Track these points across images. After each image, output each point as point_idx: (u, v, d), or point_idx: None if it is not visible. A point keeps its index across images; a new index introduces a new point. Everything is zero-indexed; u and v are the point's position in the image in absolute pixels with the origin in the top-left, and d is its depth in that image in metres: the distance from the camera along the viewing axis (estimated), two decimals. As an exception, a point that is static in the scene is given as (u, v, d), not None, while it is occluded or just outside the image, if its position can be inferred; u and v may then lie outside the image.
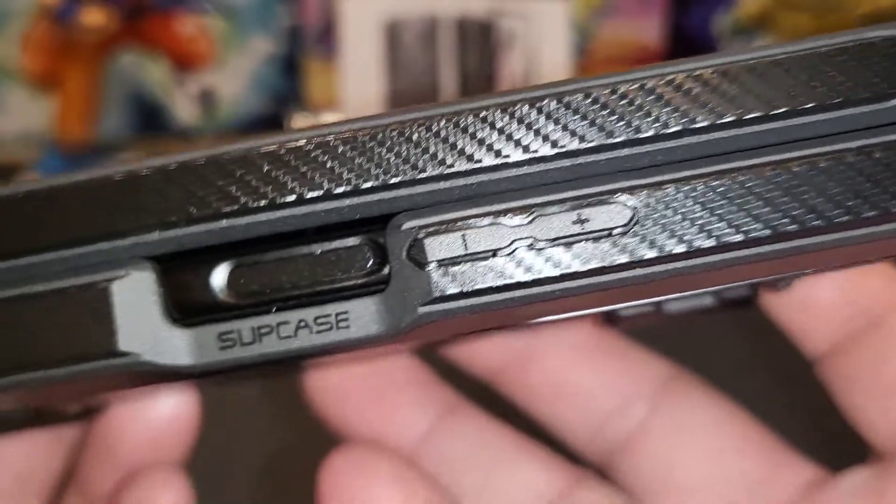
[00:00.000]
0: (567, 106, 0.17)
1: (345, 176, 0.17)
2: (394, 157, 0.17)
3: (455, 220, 0.17)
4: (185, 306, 0.17)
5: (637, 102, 0.17)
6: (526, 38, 0.65)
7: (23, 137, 0.69)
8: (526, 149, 0.17)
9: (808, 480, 0.26)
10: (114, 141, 0.70)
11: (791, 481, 0.26)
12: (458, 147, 0.17)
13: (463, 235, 0.17)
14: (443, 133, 0.17)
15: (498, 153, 0.17)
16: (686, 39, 0.76)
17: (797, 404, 0.36)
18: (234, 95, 0.72)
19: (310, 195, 0.17)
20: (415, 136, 0.17)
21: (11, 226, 0.18)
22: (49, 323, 0.17)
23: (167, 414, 0.25)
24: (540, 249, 0.17)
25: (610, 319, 0.25)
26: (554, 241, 0.17)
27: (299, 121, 0.67)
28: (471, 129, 0.17)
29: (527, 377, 0.27)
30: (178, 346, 0.17)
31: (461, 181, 0.17)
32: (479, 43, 0.65)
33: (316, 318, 0.17)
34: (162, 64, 0.67)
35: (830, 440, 0.27)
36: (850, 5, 0.58)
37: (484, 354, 0.27)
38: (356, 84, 0.64)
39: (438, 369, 0.28)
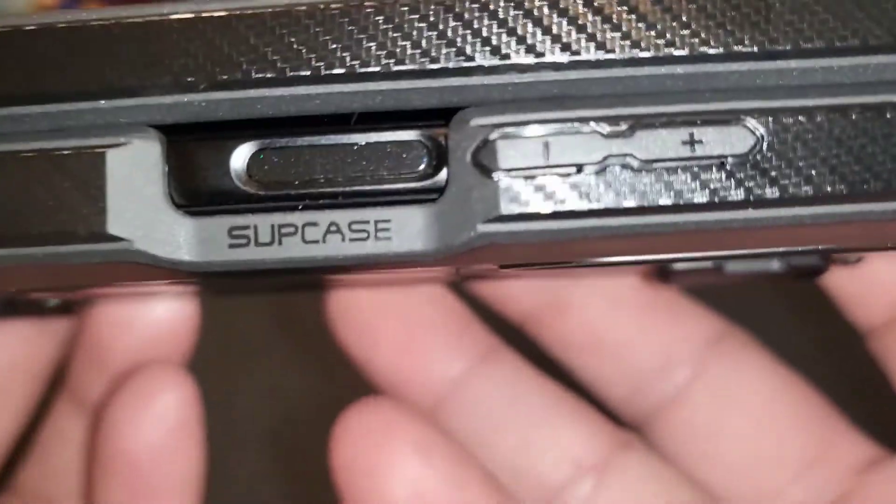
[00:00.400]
0: None
1: (407, 50, 0.14)
2: (470, 35, 0.14)
3: (537, 122, 0.14)
4: (194, 190, 0.15)
5: (776, 4, 0.14)
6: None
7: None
8: (636, 44, 0.14)
9: (864, 460, 0.24)
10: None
11: (845, 462, 0.24)
12: (551, 30, 0.14)
13: (545, 142, 0.14)
14: (535, 10, 0.14)
15: (601, 45, 0.14)
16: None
17: (852, 378, 0.34)
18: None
19: (361, 70, 0.14)
20: (499, 11, 0.14)
21: None
22: (29, 192, 0.14)
23: (164, 314, 0.24)
24: (637, 170, 0.14)
25: (661, 275, 0.23)
26: (655, 162, 0.14)
27: None
28: (570, 10, 0.14)
29: (563, 325, 0.25)
30: (179, 236, 0.14)
31: (551, 75, 0.14)
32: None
33: (351, 224, 0.15)
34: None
35: (887, 418, 0.26)
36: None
37: (518, 296, 0.25)
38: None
39: (476, 307, 0.26)
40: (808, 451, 0.24)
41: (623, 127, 0.14)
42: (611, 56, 0.14)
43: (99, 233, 0.14)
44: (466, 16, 0.14)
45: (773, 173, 0.14)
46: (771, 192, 0.14)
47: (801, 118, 0.14)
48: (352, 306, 0.25)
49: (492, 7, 0.14)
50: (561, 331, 0.26)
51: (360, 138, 0.15)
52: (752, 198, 0.14)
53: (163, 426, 0.22)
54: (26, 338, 0.26)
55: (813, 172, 0.14)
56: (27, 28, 0.14)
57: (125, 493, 0.23)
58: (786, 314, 0.42)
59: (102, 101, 0.14)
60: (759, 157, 0.14)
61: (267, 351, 0.45)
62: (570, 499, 0.24)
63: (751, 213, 0.14)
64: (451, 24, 0.14)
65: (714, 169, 0.14)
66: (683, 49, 0.14)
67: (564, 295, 0.25)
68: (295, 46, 0.14)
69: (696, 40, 0.14)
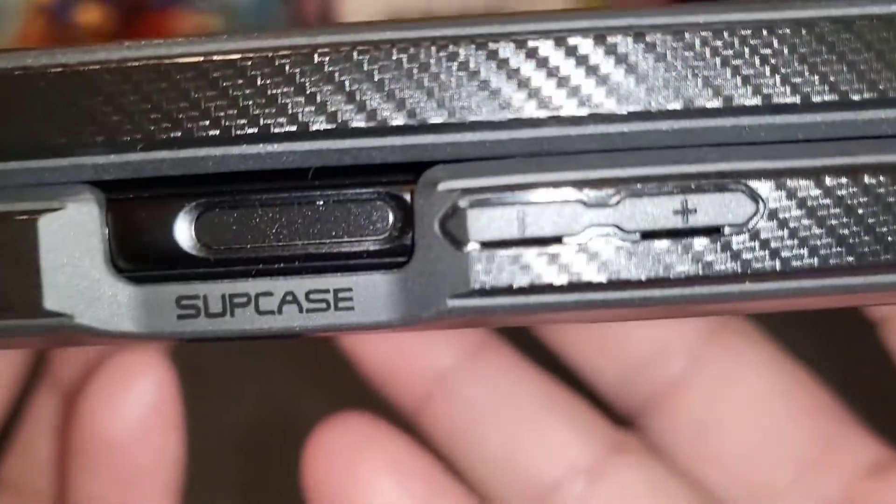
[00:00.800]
0: (688, 44, 0.12)
1: (367, 105, 0.13)
2: (437, 87, 0.13)
3: (512, 188, 0.13)
4: (138, 254, 0.13)
5: (783, 51, 0.12)
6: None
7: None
8: (622, 97, 0.13)
9: (872, 463, 0.23)
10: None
11: (850, 463, 0.23)
12: (528, 82, 0.13)
13: (521, 211, 0.13)
14: (509, 60, 0.12)
15: (583, 98, 0.13)
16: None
17: (864, 373, 0.33)
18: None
19: (315, 126, 0.13)
20: (469, 60, 0.12)
21: None
22: None
23: None
24: (622, 242, 0.13)
25: None
26: (644, 234, 0.13)
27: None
28: (549, 61, 0.12)
29: None
30: (124, 306, 0.13)
31: (526, 132, 0.13)
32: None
33: (309, 293, 0.13)
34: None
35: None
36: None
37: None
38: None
39: None
40: (810, 450, 0.24)
41: (607, 193, 0.13)
42: (595, 111, 0.13)
43: (34, 308, 0.13)
44: (432, 66, 0.13)
45: (774, 244, 0.13)
46: (771, 265, 0.13)
47: (807, 181, 0.13)
48: None
49: (462, 57, 0.13)
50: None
51: (319, 196, 0.13)
52: (749, 271, 0.13)
53: (140, 409, 0.22)
54: None
55: (819, 242, 0.13)
56: None
57: (102, 478, 0.23)
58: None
59: (30, 161, 0.13)
60: (759, 226, 0.13)
61: (239, 359, 0.44)
62: (561, 501, 0.23)
63: (747, 287, 0.13)
64: (416, 75, 0.13)
65: (709, 241, 0.13)
66: (678, 102, 0.13)
67: None
68: (241, 101, 0.13)
69: (692, 92, 0.13)
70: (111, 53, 0.13)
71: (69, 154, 0.13)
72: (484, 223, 0.13)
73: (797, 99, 0.13)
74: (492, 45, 0.12)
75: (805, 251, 0.13)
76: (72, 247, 0.13)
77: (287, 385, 0.43)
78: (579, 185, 0.13)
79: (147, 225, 0.13)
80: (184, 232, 0.13)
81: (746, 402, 0.24)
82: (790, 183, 0.13)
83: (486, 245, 0.13)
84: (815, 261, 0.13)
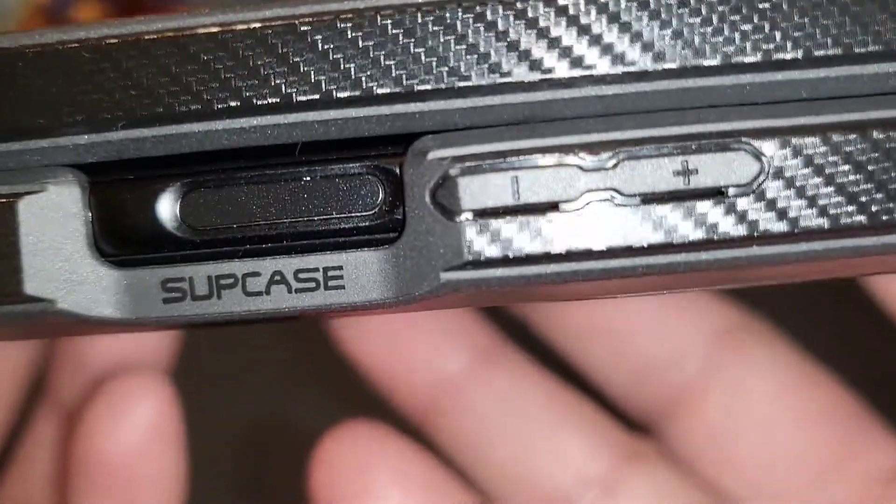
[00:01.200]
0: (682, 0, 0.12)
1: (351, 74, 0.12)
2: (424, 52, 0.12)
3: (505, 154, 0.12)
4: (122, 238, 0.13)
5: (782, 4, 0.12)
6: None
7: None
8: (616, 57, 0.12)
9: (893, 466, 0.22)
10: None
11: (871, 468, 0.22)
12: (517, 44, 0.12)
13: (515, 177, 0.12)
14: (498, 22, 0.12)
15: (576, 60, 0.12)
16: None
17: (882, 369, 0.32)
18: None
19: (300, 97, 0.12)
20: (457, 24, 0.12)
21: None
22: None
23: None
24: (622, 207, 0.12)
25: None
26: (645, 197, 0.12)
27: None
28: (539, 20, 0.12)
29: (566, 314, 0.24)
30: (107, 291, 0.13)
31: (518, 96, 0.12)
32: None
33: (297, 272, 0.13)
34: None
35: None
36: None
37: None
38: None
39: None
40: (829, 454, 0.23)
41: (604, 156, 0.12)
42: (588, 73, 0.12)
43: (15, 294, 0.13)
44: (418, 32, 0.12)
45: (782, 205, 0.12)
46: (779, 227, 0.12)
47: (812, 138, 0.12)
48: None
49: (448, 20, 0.12)
50: (564, 320, 0.24)
51: (305, 173, 0.13)
52: (756, 234, 0.12)
53: (141, 431, 0.22)
54: (3, 344, 0.25)
55: (828, 202, 0.12)
56: None
57: (103, 499, 0.23)
58: (819, 302, 0.40)
59: (9, 144, 0.13)
60: (764, 186, 0.12)
61: (246, 367, 0.44)
62: None
63: (755, 251, 0.12)
64: (401, 41, 0.12)
65: (712, 203, 0.12)
66: (674, 61, 0.12)
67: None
68: (222, 74, 0.12)
69: (689, 50, 0.12)
70: (89, 31, 0.13)
71: (49, 135, 0.13)
72: (476, 191, 0.12)
73: (798, 54, 0.12)
74: (479, 8, 0.12)
75: (814, 211, 0.12)
76: (53, 230, 0.13)
77: (287, 390, 0.43)
78: (574, 148, 0.12)
79: (130, 207, 0.13)
80: (168, 213, 0.13)
81: (763, 405, 0.23)
82: (795, 141, 0.12)
83: (479, 214, 0.12)
84: (825, 221, 0.12)
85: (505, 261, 0.12)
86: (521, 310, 0.24)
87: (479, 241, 0.12)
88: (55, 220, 0.13)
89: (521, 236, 0.12)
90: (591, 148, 0.12)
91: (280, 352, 0.42)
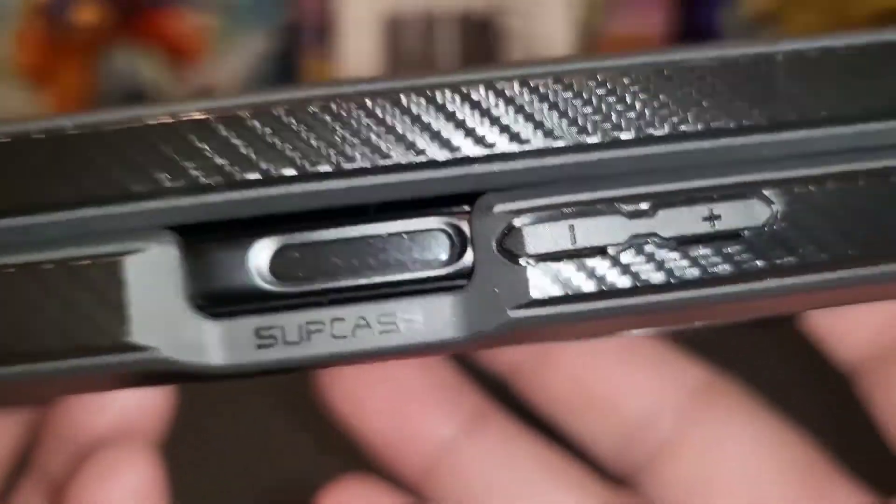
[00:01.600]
0: (704, 77, 0.14)
1: (424, 141, 0.14)
2: (488, 122, 0.14)
3: (562, 206, 0.14)
4: (216, 292, 0.14)
5: (787, 80, 0.14)
6: (527, 35, 0.64)
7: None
8: (649, 124, 0.14)
9: None
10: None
11: None
12: (568, 114, 0.14)
13: (571, 225, 0.14)
14: (549, 95, 0.14)
15: (617, 126, 0.14)
16: (692, 36, 0.74)
17: (848, 420, 0.33)
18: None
19: (381, 162, 0.14)
20: (515, 97, 0.14)
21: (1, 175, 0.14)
22: (45, 304, 0.14)
23: (136, 396, 0.23)
24: (662, 248, 0.14)
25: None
26: (679, 239, 0.14)
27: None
28: (583, 93, 0.14)
29: (548, 379, 0.24)
30: (205, 340, 0.14)
31: (570, 158, 0.14)
32: (480, 41, 0.64)
33: (380, 317, 0.14)
34: (157, 61, 0.66)
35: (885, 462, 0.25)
36: (858, 2, 0.57)
37: (503, 351, 0.25)
38: (354, 82, 0.63)
39: (467, 366, 0.25)
40: (800, 503, 0.24)
41: (645, 206, 0.14)
42: (627, 136, 0.14)
43: (123, 343, 0.14)
44: (483, 104, 0.14)
45: (790, 242, 0.14)
46: (789, 261, 0.14)
47: (811, 186, 0.14)
48: (341, 372, 0.24)
49: (507, 94, 0.14)
50: (546, 385, 0.25)
51: (382, 228, 0.15)
52: (770, 267, 0.14)
53: (127, 500, 0.22)
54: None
55: (827, 238, 0.14)
56: (34, 135, 0.14)
57: None
58: (778, 356, 0.41)
59: (116, 207, 0.14)
60: (774, 227, 0.14)
61: (240, 429, 0.44)
62: None
63: (771, 283, 0.14)
64: (468, 112, 0.14)
65: (734, 242, 0.14)
66: (697, 125, 0.14)
67: (548, 348, 0.24)
68: (312, 142, 0.14)
69: (708, 116, 0.14)
70: (187, 107, 0.14)
71: (151, 199, 0.14)
72: (538, 238, 0.14)
73: (794, 117, 0.14)
74: (533, 83, 0.14)
75: (816, 247, 0.14)
76: (154, 286, 0.14)
77: (282, 448, 0.43)
78: (620, 200, 0.14)
79: (224, 263, 0.14)
80: (259, 267, 0.15)
81: (736, 460, 0.24)
82: (798, 189, 0.14)
83: (541, 258, 0.14)
84: (826, 255, 0.14)
85: (566, 298, 0.14)
86: (507, 376, 0.25)
87: (542, 282, 0.14)
88: (156, 277, 0.14)
89: (578, 276, 0.14)
90: (634, 199, 0.14)
91: (272, 413, 0.42)
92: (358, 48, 0.63)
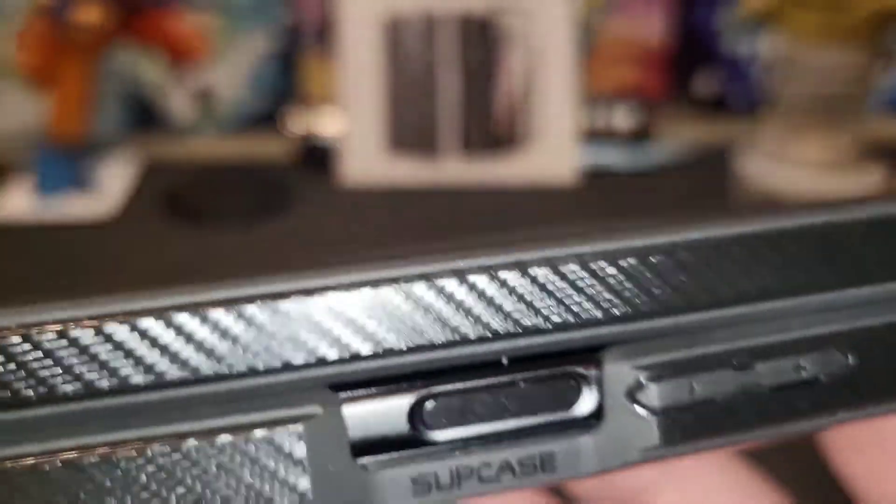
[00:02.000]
0: (789, 245, 0.17)
1: (555, 307, 0.16)
2: (613, 295, 0.16)
3: (682, 362, 0.16)
4: (373, 445, 0.16)
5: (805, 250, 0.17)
6: (527, 36, 0.64)
7: (18, 134, 0.69)
8: (748, 291, 0.17)
9: None
10: (109, 138, 0.69)
11: None
12: (679, 287, 0.16)
13: (689, 380, 0.16)
14: (663, 272, 0.16)
15: (719, 289, 0.17)
16: (691, 36, 0.75)
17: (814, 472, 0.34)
18: (230, 92, 0.71)
19: (515, 330, 0.16)
20: (631, 270, 0.16)
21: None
22: (229, 471, 0.15)
23: None
24: (761, 395, 0.17)
25: None
26: (774, 388, 0.17)
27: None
28: (686, 263, 0.16)
29: None
30: (366, 490, 0.16)
31: (687, 317, 0.16)
32: (480, 41, 0.64)
33: (520, 460, 0.16)
34: (158, 61, 0.66)
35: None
36: (857, 2, 0.57)
37: (607, 485, 0.24)
38: (355, 82, 0.64)
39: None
40: None
41: (747, 360, 0.16)
42: (727, 297, 0.16)
43: (296, 497, 0.16)
44: (608, 279, 0.16)
45: (864, 384, 0.17)
46: (863, 399, 0.17)
47: (882, 334, 0.17)
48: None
49: (625, 266, 0.16)
50: None
51: (520, 380, 0.16)
52: (847, 404, 0.17)
53: None
54: None
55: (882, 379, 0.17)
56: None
57: None
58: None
59: (284, 375, 0.15)
60: (855, 368, 0.17)
61: None
62: None
63: (843, 415, 0.17)
64: (592, 282, 0.16)
65: (812, 387, 0.17)
66: (781, 285, 0.17)
67: (653, 478, 0.25)
68: (461, 312, 0.16)
69: (796, 279, 0.17)
70: (337, 280, 0.16)
71: (316, 367, 0.15)
72: (662, 392, 0.16)
73: (863, 276, 0.17)
74: (651, 258, 0.16)
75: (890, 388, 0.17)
76: (321, 442, 0.15)
77: None
78: (729, 355, 0.16)
79: (378, 419, 0.16)
80: (410, 418, 0.16)
81: (710, 499, 0.25)
82: (867, 337, 0.17)
83: (666, 408, 0.16)
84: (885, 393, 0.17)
85: (687, 438, 0.16)
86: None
87: (666, 426, 0.16)
88: (322, 433, 0.16)
89: (698, 419, 0.16)
90: (741, 354, 0.16)
91: None
92: (357, 48, 0.64)
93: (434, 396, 0.16)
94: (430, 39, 0.64)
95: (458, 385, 0.16)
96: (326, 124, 0.66)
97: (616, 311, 0.16)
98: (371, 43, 0.63)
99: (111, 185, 0.64)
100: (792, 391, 0.17)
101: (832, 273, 0.17)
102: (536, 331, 0.16)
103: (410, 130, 0.64)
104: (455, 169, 0.64)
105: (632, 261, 0.16)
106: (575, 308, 0.16)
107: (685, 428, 0.16)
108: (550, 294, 0.16)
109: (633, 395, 0.16)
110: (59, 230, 0.60)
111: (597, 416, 0.16)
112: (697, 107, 0.73)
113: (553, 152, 0.65)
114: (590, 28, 0.71)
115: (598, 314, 0.16)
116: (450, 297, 0.15)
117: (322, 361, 0.15)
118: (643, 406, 0.16)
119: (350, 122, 0.64)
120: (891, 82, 0.72)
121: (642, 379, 0.16)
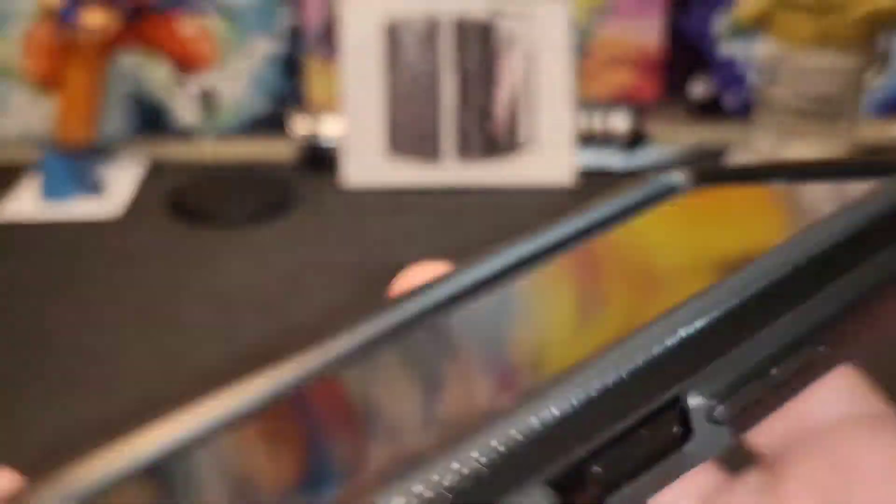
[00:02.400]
0: None
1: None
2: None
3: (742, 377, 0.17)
4: None
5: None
6: (526, 39, 0.65)
7: (24, 138, 0.70)
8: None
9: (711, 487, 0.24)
10: (115, 141, 0.70)
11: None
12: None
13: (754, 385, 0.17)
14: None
15: None
16: (685, 40, 0.76)
17: None
18: (234, 96, 0.72)
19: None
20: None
21: None
22: None
23: None
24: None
25: None
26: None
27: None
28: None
29: None
30: None
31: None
32: (480, 44, 0.65)
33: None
34: (163, 65, 0.67)
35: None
36: (849, 6, 0.58)
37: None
38: (356, 85, 0.65)
39: None
40: None
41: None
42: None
43: None
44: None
45: None
46: None
47: None
48: None
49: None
50: None
51: (644, 432, 0.17)
52: None
53: None
54: None
55: None
56: None
57: None
58: None
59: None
60: None
61: None
62: None
63: None
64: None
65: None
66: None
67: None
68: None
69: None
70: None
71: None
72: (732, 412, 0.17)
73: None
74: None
75: None
76: None
77: None
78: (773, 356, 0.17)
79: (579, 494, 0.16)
80: (587, 487, 0.16)
81: None
82: None
83: (735, 418, 0.17)
84: None
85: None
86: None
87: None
88: None
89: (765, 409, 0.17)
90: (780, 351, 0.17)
91: None
92: (359, 51, 0.65)
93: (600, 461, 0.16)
94: (430, 43, 0.65)
95: (615, 449, 0.16)
96: (329, 127, 0.67)
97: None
98: (372, 46, 0.64)
99: (117, 186, 0.65)
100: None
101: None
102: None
103: (410, 133, 0.65)
104: (454, 171, 0.65)
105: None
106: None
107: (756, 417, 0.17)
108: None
109: (712, 416, 0.17)
110: (65, 231, 0.60)
111: (687, 435, 0.17)
112: (692, 110, 0.74)
113: (551, 155, 0.66)
114: (586, 31, 0.72)
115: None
116: None
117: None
118: (718, 422, 0.17)
119: (351, 125, 0.65)
120: (882, 85, 0.73)
121: (717, 413, 0.17)
